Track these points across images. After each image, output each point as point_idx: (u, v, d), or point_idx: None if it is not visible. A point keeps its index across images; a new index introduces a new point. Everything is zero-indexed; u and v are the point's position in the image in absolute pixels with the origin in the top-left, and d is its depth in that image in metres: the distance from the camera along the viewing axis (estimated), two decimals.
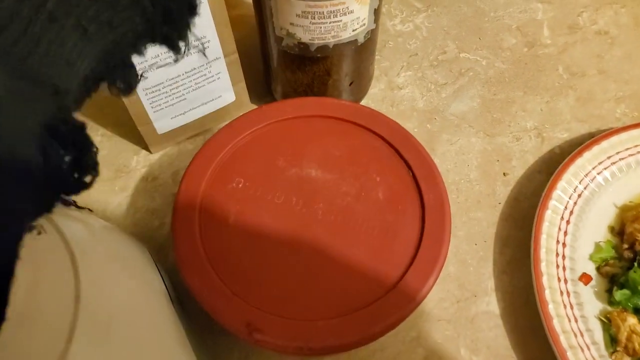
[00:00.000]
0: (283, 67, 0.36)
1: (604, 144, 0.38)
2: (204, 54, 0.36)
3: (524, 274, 0.35)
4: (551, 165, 0.40)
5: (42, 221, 0.20)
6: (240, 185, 0.30)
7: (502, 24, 0.50)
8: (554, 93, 0.45)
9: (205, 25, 0.34)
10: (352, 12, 0.31)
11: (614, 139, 0.38)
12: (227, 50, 0.37)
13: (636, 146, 0.38)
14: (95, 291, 0.20)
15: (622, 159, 0.37)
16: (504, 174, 0.40)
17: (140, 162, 0.40)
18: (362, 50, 0.35)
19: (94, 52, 0.18)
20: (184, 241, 0.28)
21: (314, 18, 0.30)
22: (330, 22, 0.31)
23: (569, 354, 0.29)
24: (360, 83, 0.40)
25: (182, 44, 0.22)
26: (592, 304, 0.32)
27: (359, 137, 0.32)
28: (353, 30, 0.32)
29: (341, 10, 0.30)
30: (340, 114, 0.32)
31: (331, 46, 0.32)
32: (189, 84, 0.37)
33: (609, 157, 0.37)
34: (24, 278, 0.16)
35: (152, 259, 0.29)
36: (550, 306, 0.31)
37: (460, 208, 0.38)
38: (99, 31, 0.18)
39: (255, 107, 0.42)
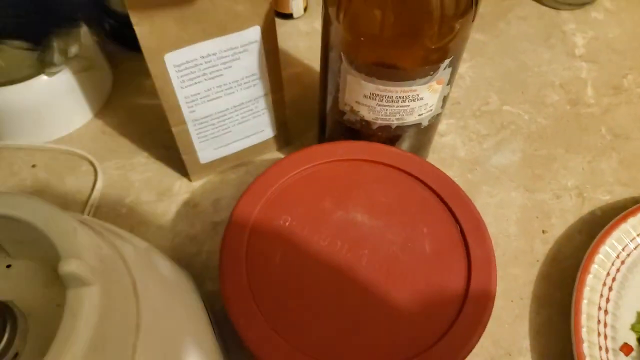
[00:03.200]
0: (339, 134, 0.36)
1: None
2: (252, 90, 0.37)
3: (561, 337, 0.34)
4: (592, 227, 0.40)
5: (106, 244, 0.20)
6: (287, 224, 0.30)
7: (546, 79, 0.50)
8: (596, 153, 0.45)
9: (257, 64, 0.35)
10: (421, 99, 0.31)
11: None
12: (274, 88, 0.38)
13: None
14: (153, 320, 0.20)
15: None
16: (542, 231, 0.40)
17: (182, 187, 0.40)
18: (424, 132, 0.35)
19: None
20: (231, 277, 0.28)
21: (382, 101, 0.31)
22: (397, 106, 0.31)
23: None
24: (417, 154, 0.40)
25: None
26: None
27: (408, 185, 0.32)
28: (419, 115, 0.32)
29: (411, 96, 0.30)
30: (390, 161, 0.33)
31: (393, 127, 0.33)
32: (235, 117, 0.38)
33: None
34: (99, 301, 0.16)
35: (195, 286, 0.29)
36: None
37: (498, 262, 0.37)
38: None
39: (294, 145, 0.43)
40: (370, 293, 0.28)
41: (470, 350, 0.26)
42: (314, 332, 0.26)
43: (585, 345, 0.31)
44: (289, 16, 0.54)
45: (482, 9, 0.57)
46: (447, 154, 0.44)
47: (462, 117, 0.47)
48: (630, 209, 0.37)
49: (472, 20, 0.28)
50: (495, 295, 0.28)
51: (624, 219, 0.37)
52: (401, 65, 0.28)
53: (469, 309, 0.27)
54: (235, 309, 0.26)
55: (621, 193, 0.42)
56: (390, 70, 0.29)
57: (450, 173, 0.43)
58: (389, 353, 0.26)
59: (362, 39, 0.27)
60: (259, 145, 0.41)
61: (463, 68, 0.51)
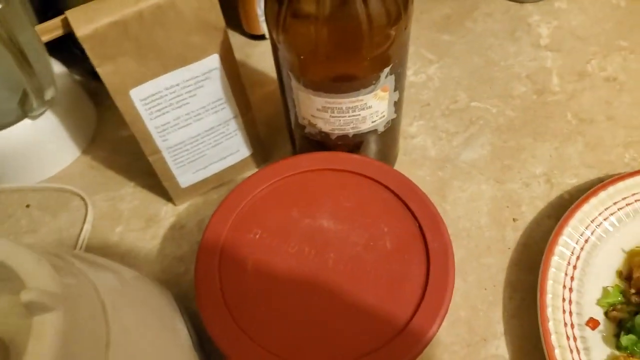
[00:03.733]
0: (307, 147, 0.39)
1: (610, 189, 0.39)
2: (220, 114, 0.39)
3: (534, 318, 0.35)
4: (560, 211, 0.41)
5: (75, 272, 0.22)
6: (257, 236, 0.32)
7: (512, 72, 0.52)
8: (562, 139, 0.46)
9: (221, 89, 0.37)
10: (370, 107, 0.33)
11: (620, 184, 0.39)
12: (243, 110, 0.40)
13: None
14: (124, 337, 0.22)
15: (629, 204, 0.38)
16: (513, 219, 0.41)
17: (168, 212, 0.43)
18: (384, 136, 0.37)
19: None
20: (205, 290, 0.30)
21: (334, 112, 0.33)
22: (349, 116, 0.33)
23: None
24: (384, 162, 0.42)
25: None
26: (599, 349, 0.33)
27: (369, 189, 0.34)
28: (372, 122, 0.34)
29: (359, 106, 0.32)
30: (352, 168, 0.35)
31: (351, 135, 0.35)
32: (208, 141, 0.40)
33: (615, 203, 0.38)
34: (63, 324, 0.18)
35: (176, 305, 0.31)
36: (557, 351, 0.32)
37: (471, 254, 0.40)
38: None
39: (273, 160, 0.45)
40: (338, 292, 0.30)
41: (434, 335, 0.28)
42: (284, 334, 0.28)
43: (550, 324, 0.32)
44: (261, 37, 0.57)
45: (448, 10, 0.59)
46: (418, 154, 0.46)
47: (431, 117, 0.49)
48: (591, 190, 0.39)
49: (405, 29, 0.30)
50: (453, 282, 0.30)
51: (586, 199, 0.38)
52: (343, 77, 0.31)
53: (430, 297, 0.29)
54: (210, 319, 0.28)
55: (587, 175, 0.44)
56: (335, 83, 0.31)
57: (421, 172, 0.45)
58: (359, 345, 0.28)
59: (301, 57, 0.30)
60: (237, 165, 0.44)
61: (431, 70, 0.53)
